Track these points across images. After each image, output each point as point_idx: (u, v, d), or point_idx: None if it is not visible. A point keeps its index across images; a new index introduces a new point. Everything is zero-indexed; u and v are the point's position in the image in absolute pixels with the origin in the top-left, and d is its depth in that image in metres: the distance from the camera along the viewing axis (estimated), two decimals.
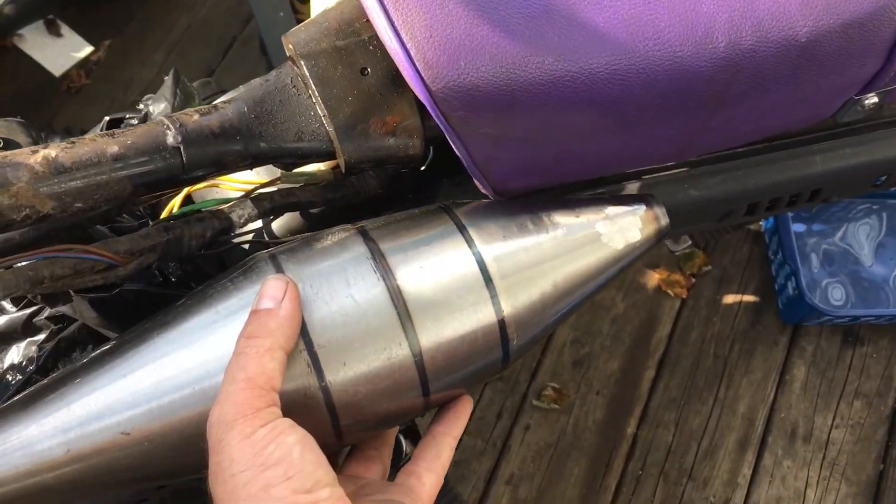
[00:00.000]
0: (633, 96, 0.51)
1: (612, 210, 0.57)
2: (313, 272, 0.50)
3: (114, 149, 0.52)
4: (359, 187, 0.66)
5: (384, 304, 0.48)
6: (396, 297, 0.49)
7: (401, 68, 0.47)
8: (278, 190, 0.63)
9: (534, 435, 1.55)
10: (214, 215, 0.59)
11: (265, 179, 0.65)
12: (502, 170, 0.56)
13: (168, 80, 0.75)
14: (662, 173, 0.70)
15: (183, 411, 0.47)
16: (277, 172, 0.67)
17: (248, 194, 0.63)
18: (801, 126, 0.71)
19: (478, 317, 0.50)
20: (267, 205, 0.62)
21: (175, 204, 0.64)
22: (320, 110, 0.59)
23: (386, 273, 0.49)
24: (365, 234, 0.52)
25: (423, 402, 0.51)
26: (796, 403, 1.60)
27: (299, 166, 0.63)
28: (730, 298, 1.69)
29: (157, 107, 0.73)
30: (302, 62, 0.58)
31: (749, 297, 1.70)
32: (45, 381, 0.50)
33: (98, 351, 0.50)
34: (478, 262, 0.51)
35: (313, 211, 0.69)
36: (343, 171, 0.60)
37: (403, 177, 0.71)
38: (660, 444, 1.56)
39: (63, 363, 0.64)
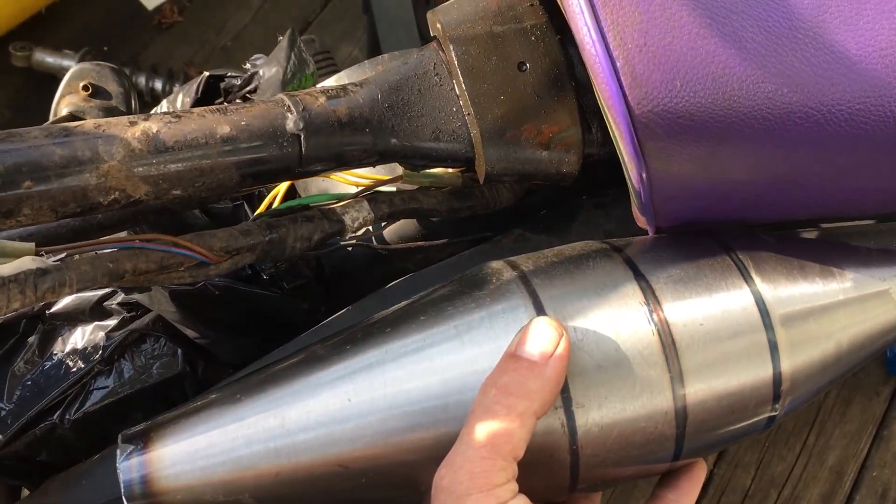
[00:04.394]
0: (871, 142, 0.41)
1: None
2: (578, 310, 0.42)
3: (224, 129, 0.44)
4: (489, 198, 0.57)
5: (655, 358, 0.42)
6: (669, 350, 0.42)
7: (596, 79, 0.37)
8: (399, 192, 0.54)
9: None
10: (325, 216, 0.50)
11: (384, 176, 0.56)
12: (679, 208, 0.46)
13: (283, 41, 0.66)
14: (845, 223, 0.59)
15: (410, 439, 0.41)
16: (397, 169, 0.58)
17: (364, 192, 0.54)
18: None
19: (753, 370, 0.43)
20: (385, 209, 0.53)
21: (278, 194, 0.56)
22: (465, 108, 0.49)
23: (659, 320, 0.42)
24: (632, 265, 0.44)
25: (668, 467, 0.46)
26: (891, 463, 1.47)
27: (429, 168, 0.54)
28: None
29: (269, 70, 0.64)
30: (451, 46, 0.48)
31: None
32: (246, 372, 0.44)
33: (311, 347, 0.44)
34: (757, 302, 0.44)
35: (432, 219, 0.59)
36: (481, 181, 0.50)
37: (538, 190, 0.61)
38: (736, 487, 1.44)
39: (130, 355, 0.56)
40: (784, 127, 0.38)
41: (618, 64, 0.36)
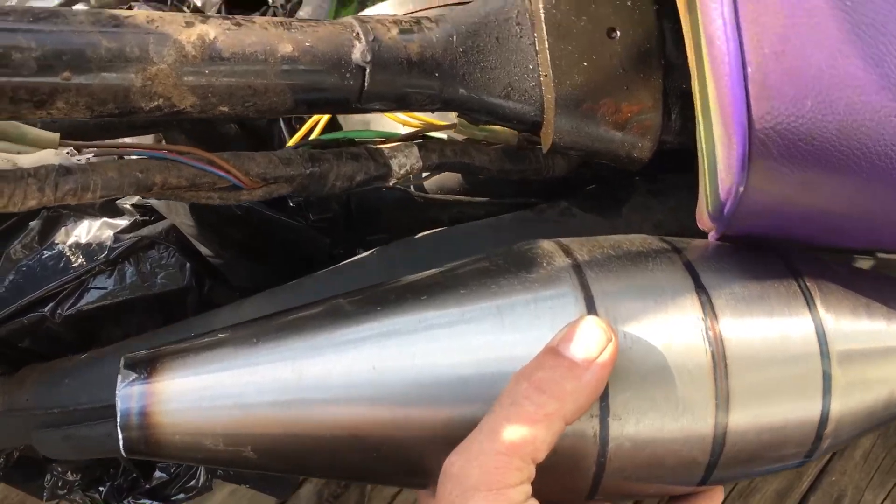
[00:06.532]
0: None
1: None
2: (631, 314, 0.39)
3: (287, 48, 0.39)
4: (543, 165, 0.53)
5: (704, 380, 0.39)
6: (720, 371, 0.39)
7: (719, 81, 0.33)
8: (451, 142, 0.50)
9: None
10: (372, 156, 0.46)
11: (437, 121, 0.52)
12: (755, 224, 0.43)
13: None
14: None
15: (432, 417, 0.38)
16: (450, 114, 0.54)
17: (413, 136, 0.50)
18: None
19: (801, 403, 0.41)
20: (435, 159, 0.49)
21: (320, 121, 0.51)
22: (542, 68, 0.45)
23: (714, 338, 0.39)
24: (693, 274, 0.41)
25: (689, 491, 0.44)
26: (851, 471, 1.48)
27: (490, 125, 0.50)
28: None
29: None
30: None
31: None
32: (256, 306, 0.42)
33: (336, 300, 0.41)
34: (818, 333, 0.41)
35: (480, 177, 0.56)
36: (545, 150, 0.47)
37: (591, 163, 0.57)
38: None
39: (136, 260, 0.53)
40: None
41: (749, 69, 0.31)
